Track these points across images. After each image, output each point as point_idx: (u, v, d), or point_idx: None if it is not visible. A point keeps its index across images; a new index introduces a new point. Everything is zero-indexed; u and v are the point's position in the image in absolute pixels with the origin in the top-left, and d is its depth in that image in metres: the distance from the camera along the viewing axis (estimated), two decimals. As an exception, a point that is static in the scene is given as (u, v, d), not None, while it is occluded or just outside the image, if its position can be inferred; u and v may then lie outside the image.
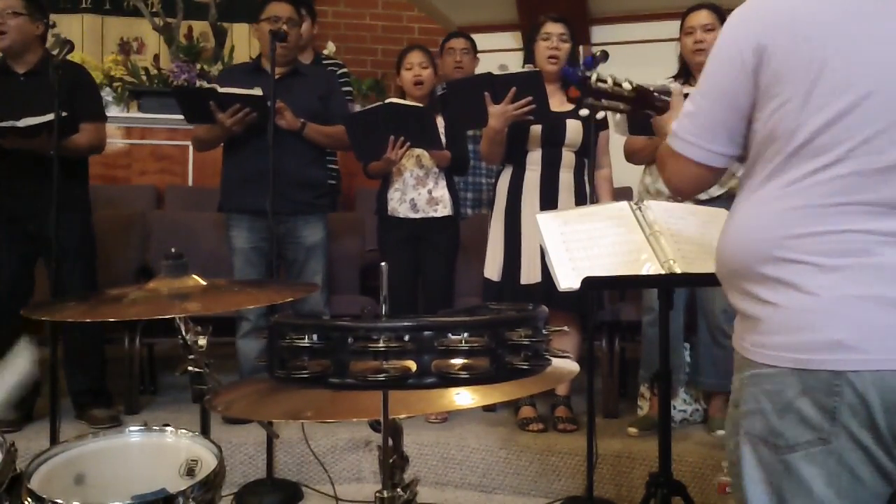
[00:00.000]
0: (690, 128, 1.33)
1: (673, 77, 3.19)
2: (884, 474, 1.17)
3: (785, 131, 1.21)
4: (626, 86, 1.72)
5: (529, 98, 3.02)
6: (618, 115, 2.96)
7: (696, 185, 1.39)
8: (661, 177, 1.46)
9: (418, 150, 3.36)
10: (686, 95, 1.56)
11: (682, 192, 1.44)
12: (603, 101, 1.75)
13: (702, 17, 3.09)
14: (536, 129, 3.16)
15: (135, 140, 5.31)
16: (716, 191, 3.05)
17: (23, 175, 3.12)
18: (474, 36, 4.47)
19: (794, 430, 1.18)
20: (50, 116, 2.82)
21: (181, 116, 3.35)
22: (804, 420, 1.17)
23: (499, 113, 3.05)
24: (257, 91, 3.15)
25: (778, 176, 1.23)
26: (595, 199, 3.19)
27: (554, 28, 3.22)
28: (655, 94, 1.72)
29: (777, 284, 1.20)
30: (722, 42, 1.29)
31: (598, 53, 2.91)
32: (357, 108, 4.58)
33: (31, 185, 3.11)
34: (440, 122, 3.36)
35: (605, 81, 1.72)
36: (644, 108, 1.74)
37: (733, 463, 1.27)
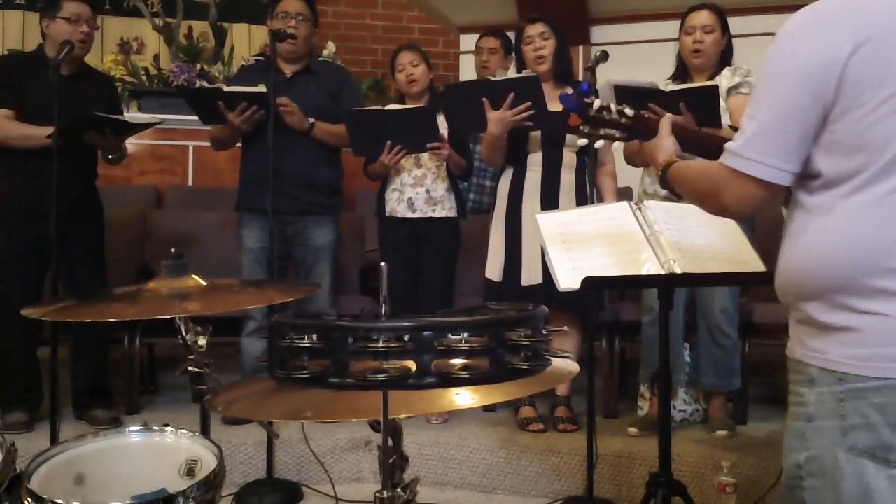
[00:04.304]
0: (759, 147, 1.26)
1: (670, 77, 3.18)
2: None
3: (877, 138, 1.18)
4: (628, 112, 1.67)
5: (528, 104, 3.01)
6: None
7: (758, 206, 1.33)
8: (709, 206, 1.40)
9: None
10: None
11: (742, 216, 1.41)
12: (601, 130, 1.71)
13: (702, 17, 3.08)
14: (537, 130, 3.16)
15: (135, 140, 5.31)
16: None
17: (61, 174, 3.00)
18: (474, 36, 4.46)
19: None
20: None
21: (181, 117, 3.35)
22: None
23: (498, 119, 3.04)
24: (261, 88, 3.13)
25: (873, 185, 1.19)
26: (599, 197, 3.19)
27: (533, 29, 3.22)
28: (651, 120, 1.67)
29: (887, 295, 1.18)
30: (790, 55, 1.23)
31: (598, 54, 2.91)
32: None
33: (71, 184, 3.10)
34: (441, 120, 3.36)
35: (607, 109, 1.67)
36: (639, 137, 1.69)
37: (818, 475, 1.22)
